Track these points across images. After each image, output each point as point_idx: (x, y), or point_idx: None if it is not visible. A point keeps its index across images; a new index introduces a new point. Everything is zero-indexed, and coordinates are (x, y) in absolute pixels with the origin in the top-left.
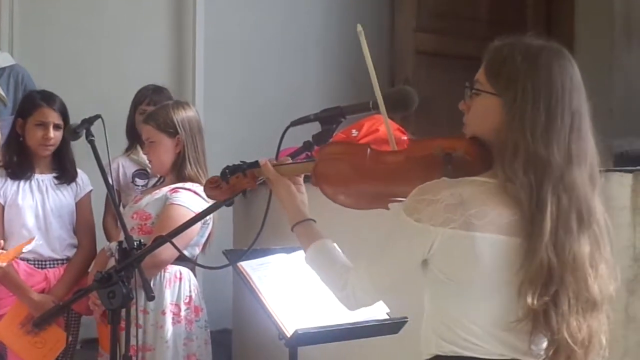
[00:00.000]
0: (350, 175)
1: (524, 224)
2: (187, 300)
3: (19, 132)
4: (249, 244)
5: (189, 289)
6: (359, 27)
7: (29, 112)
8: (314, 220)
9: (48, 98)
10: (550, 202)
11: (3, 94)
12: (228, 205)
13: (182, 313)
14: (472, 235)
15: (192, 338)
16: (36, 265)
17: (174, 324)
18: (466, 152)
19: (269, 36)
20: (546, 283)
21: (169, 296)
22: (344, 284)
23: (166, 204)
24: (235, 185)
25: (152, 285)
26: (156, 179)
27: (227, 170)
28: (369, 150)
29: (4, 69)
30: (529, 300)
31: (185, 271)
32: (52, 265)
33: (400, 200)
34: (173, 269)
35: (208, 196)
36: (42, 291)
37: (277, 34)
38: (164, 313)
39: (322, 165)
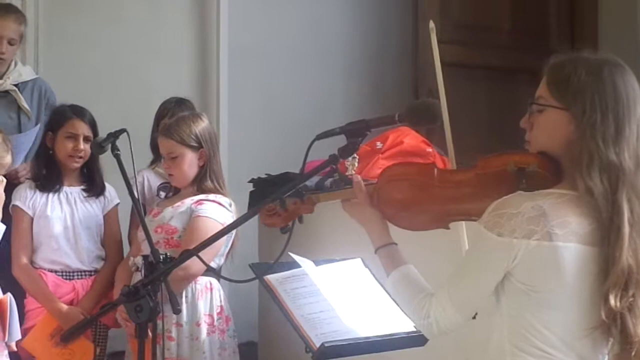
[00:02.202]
0: (417, 196)
1: (602, 232)
2: (218, 310)
3: (49, 145)
4: (275, 256)
5: (219, 298)
6: (432, 24)
7: (60, 124)
8: (397, 244)
9: (78, 111)
10: (626, 208)
11: (27, 106)
12: (284, 233)
13: (215, 323)
14: (555, 246)
15: (225, 347)
16: (64, 277)
17: (208, 334)
18: (539, 166)
19: (293, 48)
20: (626, 287)
21: (202, 307)
22: (426, 313)
23: (192, 217)
24: (293, 211)
25: (184, 297)
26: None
27: (283, 197)
28: (435, 170)
29: (27, 82)
30: (612, 303)
31: (215, 281)
32: (80, 277)
33: (465, 219)
34: (203, 280)
35: (265, 224)
36: (71, 302)
37: (301, 46)
38: (198, 324)
39: (387, 186)
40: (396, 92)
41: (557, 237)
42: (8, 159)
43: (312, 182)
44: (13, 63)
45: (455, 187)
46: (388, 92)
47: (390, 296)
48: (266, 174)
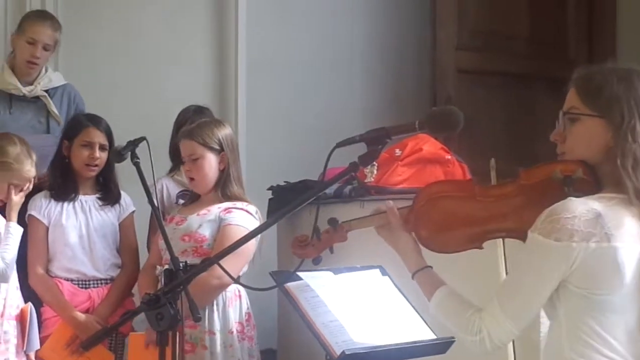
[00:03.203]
0: (457, 213)
1: None
2: (246, 318)
3: (65, 154)
4: (293, 263)
5: (247, 306)
6: (492, 162)
7: (75, 132)
8: (432, 267)
9: (94, 119)
10: None
11: (56, 112)
12: (316, 264)
13: (245, 330)
14: (614, 247)
15: (252, 355)
16: (80, 285)
17: (239, 341)
18: (584, 173)
19: (311, 55)
20: None
21: (233, 315)
22: (477, 329)
23: (222, 225)
24: (326, 241)
25: (215, 305)
26: None
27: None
28: (475, 185)
29: (56, 88)
30: None
31: (242, 289)
32: (95, 285)
33: (504, 236)
34: (232, 288)
35: (297, 255)
36: (87, 311)
37: (318, 55)
38: (231, 332)
39: (425, 206)
40: (414, 99)
41: (615, 239)
42: (32, 172)
43: (331, 189)
44: (44, 69)
45: (498, 201)
46: (406, 99)
47: (409, 303)
48: (285, 182)
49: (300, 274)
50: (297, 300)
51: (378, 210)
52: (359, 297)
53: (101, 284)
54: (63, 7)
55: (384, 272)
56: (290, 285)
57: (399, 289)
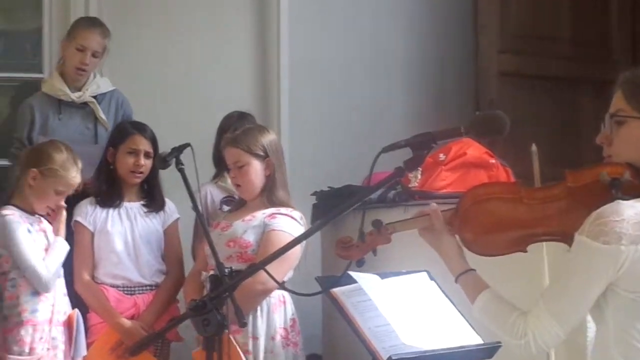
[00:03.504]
0: (503, 216)
1: None
2: (291, 324)
3: (110, 161)
4: (337, 268)
5: (292, 311)
6: (534, 147)
7: (121, 140)
8: (475, 270)
9: (139, 127)
10: None
11: (104, 118)
12: (359, 266)
13: (289, 336)
14: None
15: None
16: (125, 292)
17: (283, 347)
18: (631, 175)
19: (353, 59)
20: None
21: (277, 320)
22: (522, 332)
23: (266, 231)
24: (370, 243)
25: (259, 311)
26: None
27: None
28: (521, 187)
29: (104, 94)
30: None
31: (287, 295)
32: (140, 291)
33: (548, 239)
34: (277, 294)
35: (340, 256)
36: (132, 317)
37: (361, 57)
38: (274, 338)
39: (471, 209)
40: (456, 102)
41: None
42: (78, 179)
43: (374, 194)
44: (92, 75)
45: (544, 203)
46: (448, 103)
47: (456, 308)
48: (328, 187)
49: (351, 273)
50: (344, 305)
51: (422, 213)
52: (405, 301)
53: (146, 290)
54: (107, 13)
55: (430, 277)
56: (336, 290)
57: (445, 294)
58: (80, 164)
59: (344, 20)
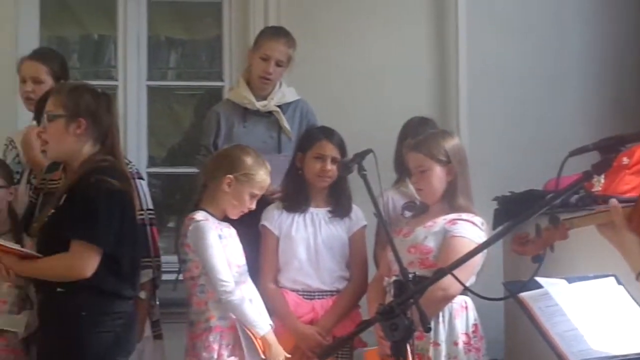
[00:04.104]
0: None
1: None
2: (473, 329)
3: (298, 166)
4: (520, 273)
5: (474, 317)
6: None
7: (309, 145)
8: None
9: (327, 132)
10: None
11: (288, 127)
12: (536, 262)
13: (472, 342)
14: None
15: None
16: (305, 297)
17: (465, 353)
18: None
19: (532, 66)
20: None
21: (459, 326)
22: None
23: (447, 237)
24: (546, 238)
25: (441, 316)
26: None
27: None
28: None
29: (289, 103)
30: None
31: (469, 300)
32: (320, 297)
33: None
34: (459, 299)
35: (516, 252)
36: (309, 322)
37: (538, 63)
38: (456, 344)
39: None
40: (635, 105)
41: None
42: (268, 180)
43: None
44: (278, 84)
45: None
46: (628, 105)
47: None
48: (510, 192)
49: (538, 279)
50: (531, 310)
51: (601, 209)
52: (593, 306)
53: (326, 295)
54: (286, 20)
55: (618, 281)
56: (523, 295)
57: (634, 298)
58: (268, 166)
59: (520, 27)
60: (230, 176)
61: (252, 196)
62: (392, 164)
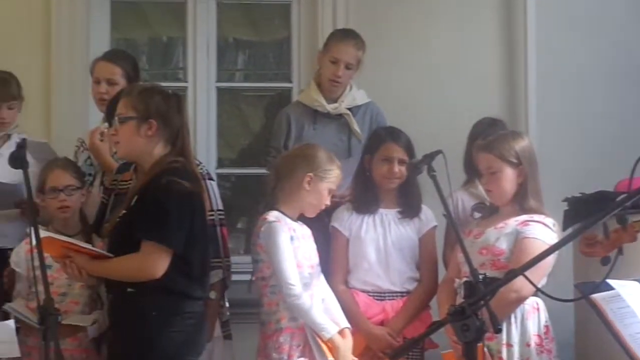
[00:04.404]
0: None
1: None
2: (545, 331)
3: (367, 168)
4: (590, 275)
5: (545, 318)
6: None
7: (376, 147)
8: None
9: (394, 134)
10: None
11: (358, 130)
12: (604, 264)
13: (544, 343)
14: None
15: None
16: (375, 297)
17: (538, 354)
18: None
19: (602, 64)
20: None
21: (531, 328)
22: None
23: (519, 238)
24: (615, 240)
25: (513, 318)
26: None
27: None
28: None
29: (360, 106)
30: None
31: (541, 302)
32: (390, 298)
33: None
34: (530, 300)
35: (584, 253)
36: (380, 323)
37: (608, 61)
38: (528, 345)
39: None
40: None
41: None
42: (341, 175)
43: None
44: (348, 87)
45: None
46: None
47: None
48: (580, 193)
49: (610, 281)
50: (604, 311)
51: None
52: None
53: (396, 296)
54: (353, 23)
55: None
56: (595, 296)
57: None
58: (337, 161)
59: (590, 24)
60: (310, 174)
61: (330, 192)
62: (461, 165)
